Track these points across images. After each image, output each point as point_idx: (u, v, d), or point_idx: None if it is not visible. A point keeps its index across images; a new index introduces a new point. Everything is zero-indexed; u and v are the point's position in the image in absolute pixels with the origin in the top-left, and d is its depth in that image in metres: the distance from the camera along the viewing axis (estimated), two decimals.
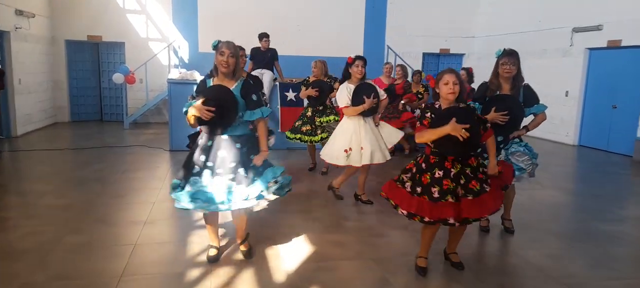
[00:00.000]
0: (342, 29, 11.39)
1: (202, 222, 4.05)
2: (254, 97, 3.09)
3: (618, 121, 8.75)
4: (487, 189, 2.92)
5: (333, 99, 5.90)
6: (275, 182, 3.08)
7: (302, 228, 4.03)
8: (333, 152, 4.61)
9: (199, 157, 3.05)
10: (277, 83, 7.86)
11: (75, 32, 10.71)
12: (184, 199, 2.95)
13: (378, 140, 4.60)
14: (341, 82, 4.71)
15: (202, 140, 3.11)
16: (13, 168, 6.30)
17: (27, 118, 9.12)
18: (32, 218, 4.12)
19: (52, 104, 10.57)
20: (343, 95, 4.53)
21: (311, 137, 5.97)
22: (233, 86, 3.06)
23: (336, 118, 5.94)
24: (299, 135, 6.01)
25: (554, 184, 6.13)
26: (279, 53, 7.94)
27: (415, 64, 11.70)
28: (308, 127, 5.97)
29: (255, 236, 3.79)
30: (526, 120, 3.84)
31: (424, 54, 12.52)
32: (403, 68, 7.63)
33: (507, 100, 3.67)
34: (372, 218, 4.44)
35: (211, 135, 3.06)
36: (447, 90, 2.91)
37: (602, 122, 9.12)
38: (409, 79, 8.17)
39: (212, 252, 3.33)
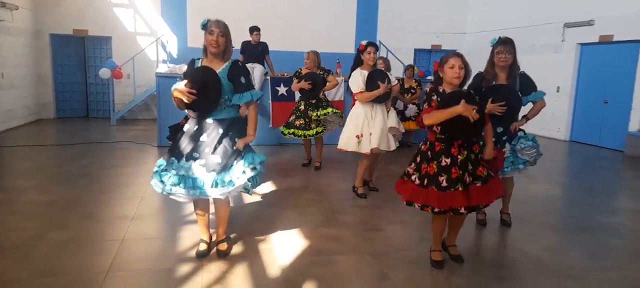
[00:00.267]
0: (334, 24, 11.27)
1: (192, 217, 3.93)
2: (243, 79, 2.96)
3: (609, 116, 8.78)
4: (493, 175, 2.87)
5: (328, 92, 5.80)
6: (253, 168, 2.95)
7: (296, 223, 3.91)
8: (345, 137, 4.64)
9: (183, 141, 2.95)
10: (268, 77, 7.73)
11: (61, 25, 10.45)
12: (167, 182, 2.85)
13: (386, 129, 4.59)
14: (353, 69, 4.70)
15: (188, 124, 3.00)
16: None
17: (9, 114, 8.86)
18: (14, 214, 3.94)
19: (36, 100, 10.31)
20: (357, 81, 4.53)
21: (305, 131, 5.78)
22: (221, 68, 2.94)
23: (335, 110, 5.82)
24: (292, 130, 5.84)
25: (547, 178, 6.10)
26: (269, 48, 7.81)
27: (407, 59, 11.63)
28: (301, 121, 5.80)
29: (248, 230, 3.68)
30: (525, 111, 3.78)
31: (416, 50, 12.48)
32: (385, 61, 7.53)
33: (503, 90, 3.60)
34: (368, 213, 4.35)
35: (197, 119, 2.95)
36: (452, 74, 2.83)
37: (593, 118, 9.15)
38: (401, 74, 8.09)
39: (202, 246, 3.19)
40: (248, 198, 4.55)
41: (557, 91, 9.66)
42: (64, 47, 10.87)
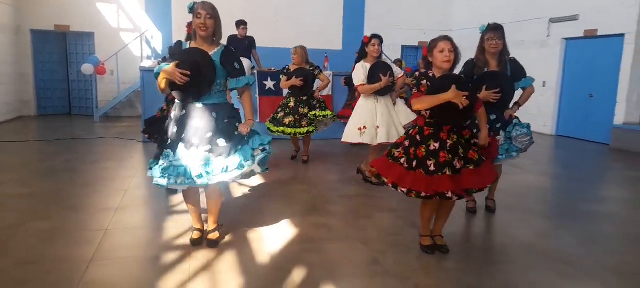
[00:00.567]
0: (321, 20, 11.24)
1: (179, 207, 3.85)
2: (236, 65, 2.90)
3: (595, 110, 8.87)
4: (485, 160, 2.82)
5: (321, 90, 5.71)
6: (263, 149, 2.88)
7: (286, 213, 3.84)
8: (349, 130, 4.63)
9: (172, 129, 2.83)
10: (255, 71, 7.63)
11: (42, 21, 10.20)
12: (156, 174, 2.74)
13: (394, 119, 4.57)
14: (357, 62, 4.67)
15: (175, 111, 2.89)
16: None
17: None
18: None
19: (16, 97, 10.05)
20: (359, 73, 4.53)
21: (295, 129, 5.52)
22: (212, 52, 2.86)
23: (333, 114, 5.72)
24: (281, 128, 5.58)
25: (536, 170, 6.12)
26: (256, 44, 7.74)
27: (394, 56, 11.62)
28: (291, 119, 5.54)
29: (236, 220, 3.60)
30: (515, 98, 3.77)
31: (403, 47, 12.49)
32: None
33: (497, 77, 3.59)
34: (358, 201, 4.30)
35: (184, 104, 2.84)
36: (442, 58, 2.79)
37: (579, 112, 9.23)
38: None
39: (196, 234, 3.10)
40: (237, 191, 4.47)
41: (544, 86, 9.73)
42: (46, 43, 10.62)
